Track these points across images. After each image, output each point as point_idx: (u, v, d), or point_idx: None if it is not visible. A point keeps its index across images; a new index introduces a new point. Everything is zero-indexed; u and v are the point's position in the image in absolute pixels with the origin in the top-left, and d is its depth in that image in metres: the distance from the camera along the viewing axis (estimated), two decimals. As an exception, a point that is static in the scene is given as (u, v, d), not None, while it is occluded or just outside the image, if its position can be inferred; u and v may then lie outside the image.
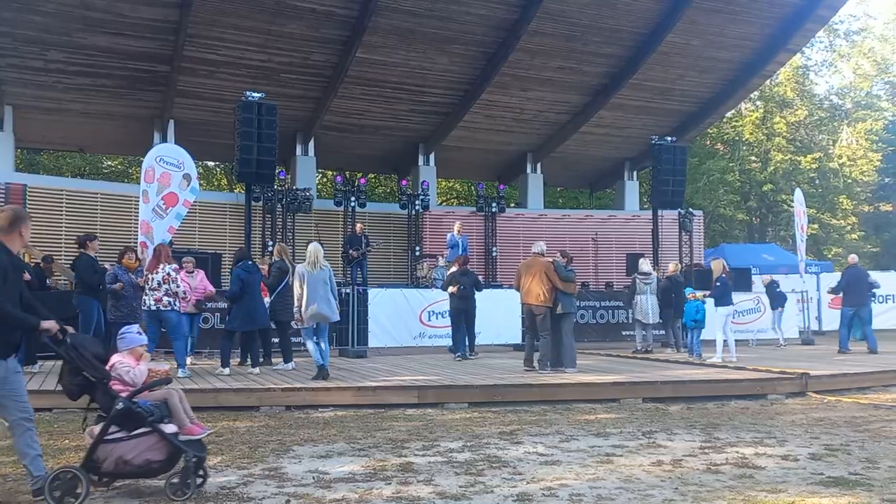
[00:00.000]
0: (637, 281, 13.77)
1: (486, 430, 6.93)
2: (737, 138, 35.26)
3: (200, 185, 14.71)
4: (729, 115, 30.63)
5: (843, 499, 4.49)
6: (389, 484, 4.88)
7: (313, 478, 5.03)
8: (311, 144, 19.68)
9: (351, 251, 15.84)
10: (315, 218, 17.72)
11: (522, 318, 11.92)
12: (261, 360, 10.37)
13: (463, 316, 12.17)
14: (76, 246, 10.22)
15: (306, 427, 7.05)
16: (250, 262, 10.12)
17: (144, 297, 9.46)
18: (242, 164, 14.01)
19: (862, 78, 39.41)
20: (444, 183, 30.67)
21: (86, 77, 16.78)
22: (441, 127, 20.19)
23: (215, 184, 32.79)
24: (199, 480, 4.57)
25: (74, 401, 4.79)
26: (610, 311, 15.78)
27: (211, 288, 11.29)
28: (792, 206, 20.75)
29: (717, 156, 33.85)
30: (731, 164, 33.82)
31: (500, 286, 16.41)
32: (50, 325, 4.46)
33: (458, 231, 15.97)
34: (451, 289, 12.14)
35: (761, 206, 35.81)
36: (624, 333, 15.48)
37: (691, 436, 6.60)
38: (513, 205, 22.61)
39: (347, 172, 20.87)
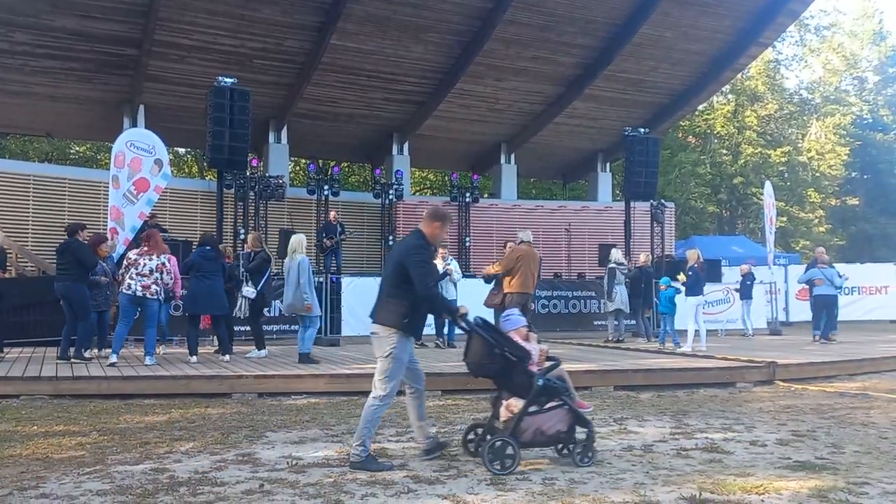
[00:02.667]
0: (616, 271, 13.85)
1: (459, 416, 6.95)
2: (708, 131, 35.66)
3: (171, 171, 14.51)
4: (701, 107, 30.96)
5: (809, 482, 4.57)
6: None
7: (287, 463, 5.01)
8: (284, 132, 19.50)
9: (325, 240, 15.76)
10: (288, 206, 17.58)
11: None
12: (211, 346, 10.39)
13: None
14: (66, 234, 9.84)
15: (279, 414, 7.02)
16: (208, 248, 9.99)
17: (129, 280, 9.08)
18: (214, 150, 13.83)
19: (831, 73, 40.05)
20: (417, 172, 30.63)
21: (53, 60, 16.42)
22: (415, 116, 20.12)
23: (186, 171, 32.38)
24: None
25: (476, 378, 5.32)
26: (582, 301, 15.92)
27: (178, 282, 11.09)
28: (762, 199, 21.04)
29: (688, 148, 34.20)
30: (702, 157, 34.20)
31: (473, 276, 16.45)
32: (466, 310, 5.04)
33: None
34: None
35: (731, 198, 36.29)
36: (595, 323, 15.62)
37: (661, 422, 6.69)
38: (486, 195, 22.64)
39: (321, 160, 20.74)
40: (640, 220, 18.97)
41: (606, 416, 6.99)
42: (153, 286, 9.16)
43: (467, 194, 19.54)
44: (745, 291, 15.86)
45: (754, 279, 16.12)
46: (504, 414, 5.01)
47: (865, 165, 38.40)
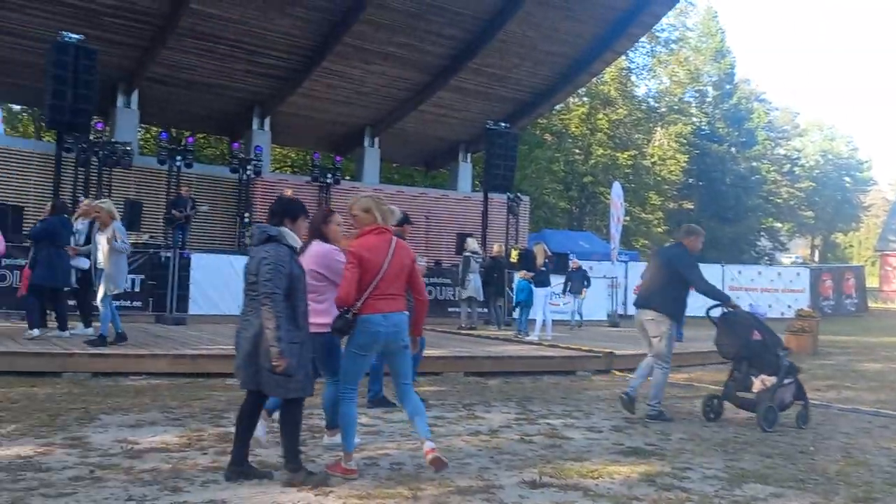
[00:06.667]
0: (471, 259, 14.15)
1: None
2: (563, 130, 37.20)
3: (3, 129, 13.25)
4: (558, 107, 32.18)
5: (640, 467, 4.89)
6: (206, 454, 4.70)
7: (121, 447, 4.73)
8: (135, 96, 18.28)
9: (174, 211, 15.03)
10: (136, 175, 16.58)
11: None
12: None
13: None
14: None
15: (115, 395, 6.62)
16: (66, 217, 9.33)
17: None
18: (54, 110, 12.81)
19: (676, 84, 42.94)
20: (278, 150, 29.76)
21: None
22: (279, 91, 19.52)
23: (21, 130, 29.73)
24: None
25: (726, 359, 6.99)
26: (438, 288, 16.14)
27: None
28: (609, 198, 22.19)
29: (545, 146, 35.52)
30: (557, 155, 35.67)
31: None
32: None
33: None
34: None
35: (581, 196, 38.12)
36: (450, 310, 15.90)
37: (507, 408, 6.92)
38: (348, 178, 22.42)
39: (174, 130, 19.67)
40: (497, 211, 19.50)
41: (456, 402, 7.14)
42: None
43: (329, 175, 19.24)
44: (576, 286, 16.18)
45: (579, 272, 16.51)
46: (758, 386, 6.45)
47: (701, 173, 41.56)
